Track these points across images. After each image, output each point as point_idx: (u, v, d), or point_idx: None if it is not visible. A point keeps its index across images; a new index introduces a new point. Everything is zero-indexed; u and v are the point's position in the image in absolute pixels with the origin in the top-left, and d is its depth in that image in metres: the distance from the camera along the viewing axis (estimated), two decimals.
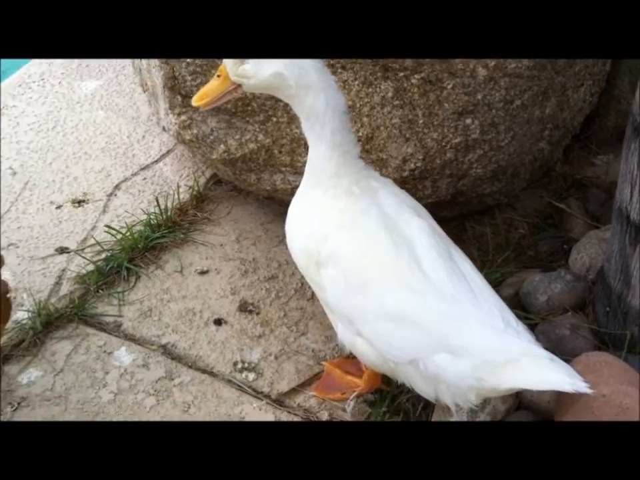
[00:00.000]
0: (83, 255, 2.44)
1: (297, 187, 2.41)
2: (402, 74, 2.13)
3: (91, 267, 2.40)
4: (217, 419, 1.94)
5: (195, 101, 1.75)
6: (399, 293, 1.65)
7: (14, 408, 1.97)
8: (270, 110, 2.28)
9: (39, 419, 1.94)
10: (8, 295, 1.69)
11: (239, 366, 2.10)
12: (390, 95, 2.18)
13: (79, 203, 2.69)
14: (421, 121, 2.22)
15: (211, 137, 2.40)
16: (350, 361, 2.06)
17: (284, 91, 1.69)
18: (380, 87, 2.18)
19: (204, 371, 2.09)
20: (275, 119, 2.30)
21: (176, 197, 2.66)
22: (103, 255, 2.44)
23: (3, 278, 1.76)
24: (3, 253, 1.70)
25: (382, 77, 2.16)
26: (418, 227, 1.75)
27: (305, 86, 1.65)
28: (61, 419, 1.94)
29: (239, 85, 1.71)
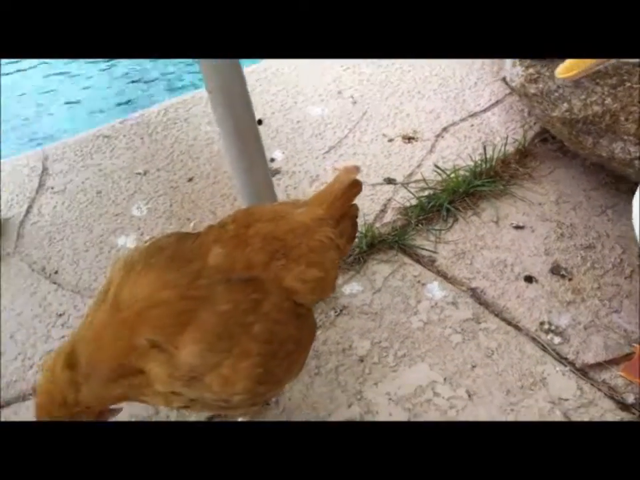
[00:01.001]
0: (408, 188, 2.59)
1: (637, 158, 2.32)
2: None
3: (414, 202, 2.54)
4: (519, 373, 1.99)
5: (560, 73, 1.63)
6: None
7: (337, 313, 2.21)
8: (625, 74, 2.19)
9: (356, 329, 2.15)
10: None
11: (545, 327, 2.12)
12: None
13: (408, 139, 2.84)
14: None
15: (556, 94, 2.37)
16: None
17: None
18: None
19: (509, 323, 2.14)
20: (628, 84, 2.20)
21: (501, 148, 2.69)
22: (426, 192, 2.58)
23: None
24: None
25: None
26: None
27: None
28: (374, 334, 2.14)
29: None
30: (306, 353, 1.72)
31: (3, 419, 2.06)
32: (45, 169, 2.92)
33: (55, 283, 2.46)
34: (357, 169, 1.75)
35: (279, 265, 1.59)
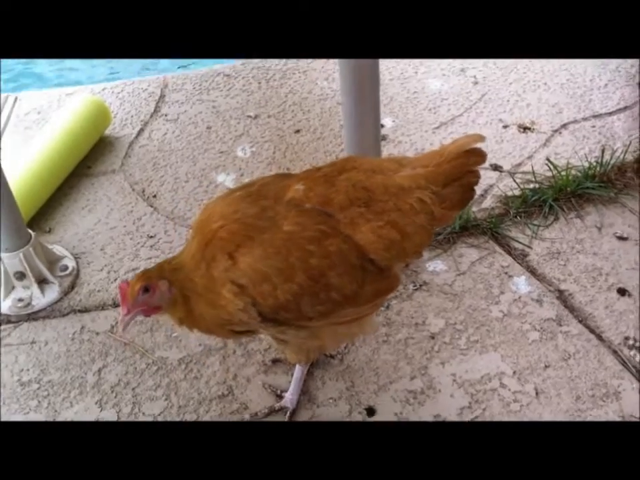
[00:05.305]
0: (514, 178, 2.51)
1: None
2: None
3: (517, 192, 2.46)
4: (594, 382, 1.91)
5: None
6: None
7: (415, 287, 2.18)
8: None
9: (432, 306, 2.12)
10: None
11: (630, 342, 2.02)
12: None
13: (524, 129, 2.75)
14: None
15: None
16: None
17: None
18: None
19: (592, 331, 2.05)
20: None
21: (620, 155, 2.57)
22: (531, 185, 2.49)
23: None
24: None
25: None
26: None
27: None
28: (450, 314, 2.10)
29: None
30: (360, 310, 1.67)
31: (81, 325, 2.16)
32: (162, 96, 3.01)
33: (151, 206, 2.54)
34: (481, 138, 1.67)
35: (358, 211, 1.58)
